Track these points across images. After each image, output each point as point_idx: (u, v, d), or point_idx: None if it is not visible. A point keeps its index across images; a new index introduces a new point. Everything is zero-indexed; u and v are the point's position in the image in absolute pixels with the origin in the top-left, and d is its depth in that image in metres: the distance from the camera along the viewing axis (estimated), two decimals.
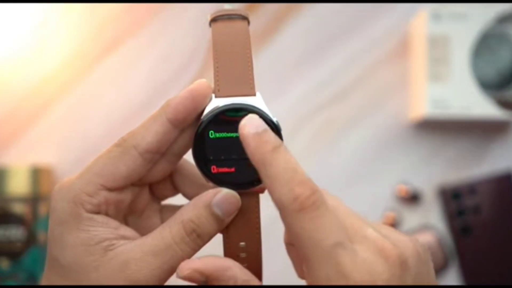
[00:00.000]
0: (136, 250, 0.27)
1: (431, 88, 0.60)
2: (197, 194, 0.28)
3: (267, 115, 0.28)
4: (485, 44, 0.63)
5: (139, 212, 0.31)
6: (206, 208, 0.27)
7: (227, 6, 0.34)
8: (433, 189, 0.64)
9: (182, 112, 0.28)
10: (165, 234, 0.27)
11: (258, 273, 0.29)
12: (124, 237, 0.28)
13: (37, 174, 0.61)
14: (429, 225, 0.63)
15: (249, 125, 0.25)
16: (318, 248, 0.23)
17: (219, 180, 0.28)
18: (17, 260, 0.60)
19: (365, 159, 0.65)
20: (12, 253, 0.60)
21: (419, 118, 0.62)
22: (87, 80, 0.67)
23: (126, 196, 0.29)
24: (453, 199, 0.63)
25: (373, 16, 0.66)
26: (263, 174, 0.25)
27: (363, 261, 0.23)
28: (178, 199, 0.32)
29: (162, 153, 0.29)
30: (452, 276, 0.63)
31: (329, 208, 0.24)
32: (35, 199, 0.61)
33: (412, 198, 0.63)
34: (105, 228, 0.27)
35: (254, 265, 0.29)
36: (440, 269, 0.62)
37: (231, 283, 0.27)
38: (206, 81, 0.28)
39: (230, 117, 0.28)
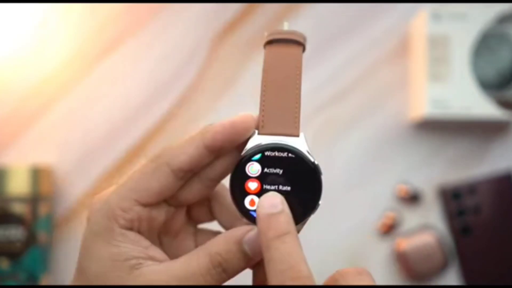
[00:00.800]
0: (161, 273, 0.27)
1: (431, 88, 0.60)
2: (231, 224, 0.29)
3: (308, 157, 0.28)
4: (485, 44, 0.63)
5: (174, 233, 0.31)
6: (236, 244, 0.27)
7: (285, 25, 0.33)
8: (433, 189, 0.64)
9: (220, 141, 0.28)
10: (193, 262, 0.27)
11: None
12: (152, 258, 0.28)
13: (37, 174, 0.61)
14: (429, 225, 0.63)
15: (265, 205, 0.26)
16: None
17: (253, 217, 0.28)
18: (17, 260, 0.60)
19: (365, 159, 0.65)
20: (12, 253, 0.60)
21: (419, 118, 0.62)
22: (87, 80, 0.67)
23: (159, 214, 0.29)
24: (453, 199, 0.63)
25: (373, 16, 0.66)
26: (265, 259, 0.25)
27: None
28: (215, 225, 0.32)
29: (195, 173, 0.29)
30: (452, 276, 0.63)
31: None
32: (35, 199, 0.61)
33: (412, 198, 0.63)
34: (135, 246, 0.28)
35: None
36: (440, 269, 0.62)
37: None
38: (251, 115, 0.28)
39: (272, 155, 0.28)
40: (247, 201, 0.28)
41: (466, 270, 0.62)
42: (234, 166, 0.28)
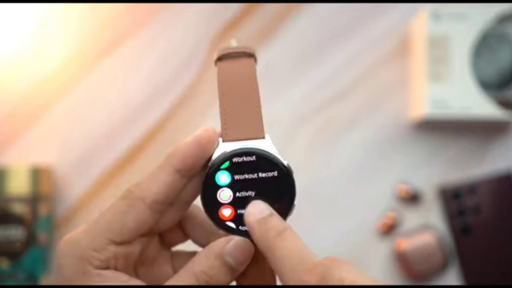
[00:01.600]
0: None
1: (431, 88, 0.60)
2: (207, 241, 0.28)
3: (277, 158, 0.27)
4: (485, 44, 0.63)
5: (150, 262, 0.30)
6: (218, 258, 0.27)
7: (233, 42, 0.34)
8: (433, 189, 0.64)
9: (189, 161, 0.27)
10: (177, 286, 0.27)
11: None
12: None
13: (37, 174, 0.61)
14: (429, 225, 0.63)
15: (253, 212, 0.26)
16: None
17: (230, 227, 0.27)
18: (17, 260, 0.60)
19: (365, 159, 0.65)
20: (12, 253, 0.60)
21: (419, 118, 0.62)
22: (87, 80, 0.67)
23: (135, 248, 0.28)
24: (453, 199, 0.63)
25: (373, 16, 0.66)
26: (270, 260, 0.25)
27: None
28: (189, 245, 0.32)
29: (170, 203, 0.28)
30: (452, 276, 0.63)
31: None
32: (35, 199, 0.61)
33: (412, 198, 0.63)
34: (115, 283, 0.27)
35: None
36: (440, 269, 0.62)
37: None
38: (212, 128, 0.28)
39: (240, 161, 0.27)
40: (221, 212, 0.27)
41: (466, 270, 0.62)
42: (203, 178, 0.27)
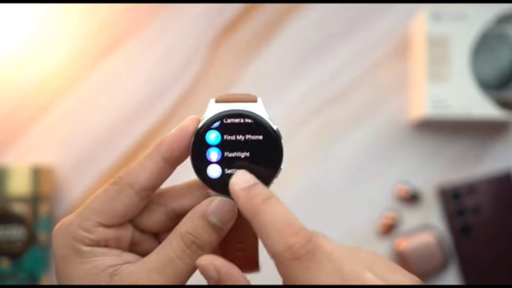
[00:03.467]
0: (140, 270, 0.27)
1: (431, 88, 0.60)
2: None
3: (267, 122, 0.28)
4: (485, 44, 0.63)
5: (144, 254, 0.31)
6: (202, 219, 0.28)
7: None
8: (433, 189, 0.64)
9: (176, 150, 0.28)
10: (166, 249, 0.28)
11: (253, 266, 0.30)
12: (128, 262, 0.28)
13: (38, 174, 0.61)
14: (428, 225, 0.64)
15: (239, 182, 0.26)
16: None
17: (217, 186, 0.28)
18: (17, 260, 0.60)
19: (365, 159, 0.65)
20: (12, 253, 0.60)
21: (419, 118, 0.62)
22: (87, 80, 0.67)
23: (125, 233, 0.29)
24: (453, 199, 0.63)
25: (373, 16, 0.66)
26: (255, 227, 0.25)
27: None
28: None
29: (161, 203, 0.29)
30: (452, 276, 0.63)
31: (325, 255, 0.24)
32: (35, 199, 0.61)
33: (412, 198, 0.63)
34: (108, 257, 0.28)
35: (250, 260, 0.30)
36: (439, 269, 0.62)
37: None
38: (196, 117, 0.29)
39: (230, 122, 0.28)
40: (209, 170, 0.28)
41: (465, 270, 0.62)
42: (194, 135, 0.28)
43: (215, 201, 0.28)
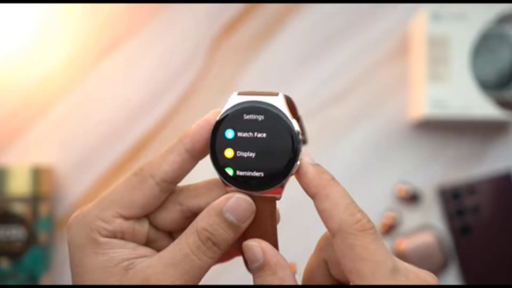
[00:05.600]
0: (155, 264, 0.27)
1: (431, 88, 0.60)
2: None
3: (286, 115, 0.27)
4: (485, 44, 0.63)
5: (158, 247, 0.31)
6: (219, 215, 0.27)
7: None
8: (433, 189, 0.64)
9: (199, 141, 0.28)
10: (182, 244, 0.27)
11: None
12: (143, 256, 0.28)
13: (38, 174, 0.61)
14: (428, 225, 0.64)
15: (306, 155, 0.27)
16: (380, 269, 0.25)
17: (238, 182, 0.28)
18: (17, 260, 0.60)
19: (365, 159, 0.65)
20: (12, 253, 0.60)
21: (419, 118, 0.62)
22: (88, 80, 0.67)
23: (142, 227, 0.29)
24: (453, 199, 0.63)
25: (373, 16, 0.66)
26: (322, 200, 0.26)
27: None
28: None
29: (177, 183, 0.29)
30: (452, 276, 0.63)
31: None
32: (35, 199, 0.61)
33: (412, 198, 0.63)
34: (123, 249, 0.28)
35: None
36: (440, 269, 0.62)
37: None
38: (218, 110, 0.28)
39: (251, 116, 0.27)
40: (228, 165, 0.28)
41: (465, 270, 0.62)
42: (212, 129, 0.28)
43: (233, 199, 0.27)
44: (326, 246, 0.29)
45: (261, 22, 0.67)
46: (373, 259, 0.25)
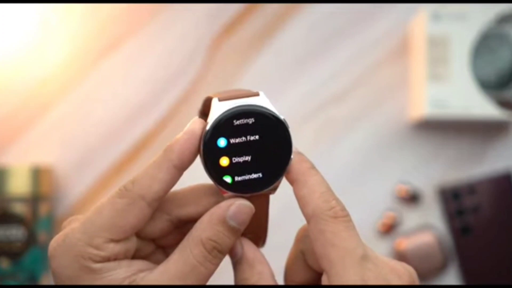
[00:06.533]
0: (161, 279, 0.27)
1: (431, 88, 0.60)
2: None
3: (275, 113, 0.28)
4: (485, 44, 0.63)
5: (146, 257, 0.31)
6: (223, 224, 0.27)
7: None
8: (433, 189, 0.64)
9: (187, 156, 0.27)
10: (187, 257, 0.27)
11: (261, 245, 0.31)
12: (142, 270, 0.28)
13: (38, 174, 0.61)
14: (428, 225, 0.64)
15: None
16: (349, 256, 0.25)
17: (236, 188, 0.28)
18: (17, 260, 0.60)
19: (365, 159, 0.65)
20: (12, 253, 0.60)
21: (419, 118, 0.62)
22: (87, 80, 0.67)
23: (132, 244, 0.28)
24: (453, 199, 0.63)
25: (373, 16, 0.66)
26: (300, 187, 0.27)
27: (383, 277, 0.26)
28: None
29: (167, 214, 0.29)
30: (452, 276, 0.63)
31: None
32: (35, 199, 0.61)
33: (412, 198, 0.63)
34: (119, 269, 0.27)
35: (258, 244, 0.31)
36: (439, 269, 0.62)
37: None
38: (200, 119, 0.28)
39: (241, 121, 0.27)
40: (225, 173, 0.27)
41: (466, 270, 0.62)
42: (202, 141, 0.27)
43: (234, 206, 0.27)
44: (304, 237, 0.30)
45: (261, 22, 0.67)
46: (343, 245, 0.25)
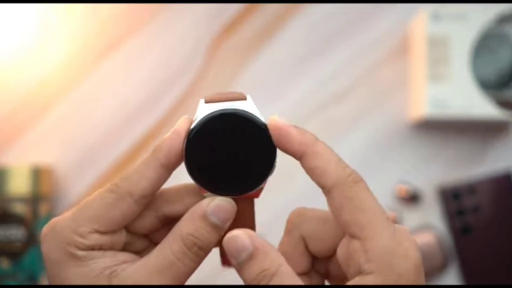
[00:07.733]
0: (141, 272, 0.27)
1: (431, 88, 0.60)
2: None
3: (258, 119, 0.27)
4: (485, 44, 0.63)
5: (136, 252, 0.31)
6: (203, 219, 0.27)
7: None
8: (433, 189, 0.64)
9: (174, 155, 0.28)
10: (166, 251, 0.27)
11: None
12: (125, 262, 0.28)
13: (38, 174, 0.61)
14: (429, 225, 0.64)
15: (281, 119, 0.27)
16: (379, 219, 0.26)
17: (215, 188, 0.28)
18: (17, 260, 0.60)
19: (365, 159, 0.65)
20: (12, 253, 0.60)
21: (419, 118, 0.62)
22: (87, 80, 0.67)
23: (120, 238, 0.29)
24: (453, 199, 0.63)
25: (373, 16, 0.66)
26: (311, 158, 0.27)
27: (406, 238, 0.26)
28: None
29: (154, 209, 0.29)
30: (452, 276, 0.63)
31: None
32: (35, 199, 0.61)
33: (412, 198, 0.63)
34: (103, 258, 0.27)
35: None
36: (440, 269, 0.62)
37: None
38: (188, 117, 0.28)
39: (222, 123, 0.27)
40: (204, 172, 0.28)
41: (466, 269, 0.62)
42: (185, 140, 0.27)
43: (215, 201, 0.28)
44: (302, 222, 0.29)
45: (261, 22, 0.67)
46: (372, 209, 0.26)
